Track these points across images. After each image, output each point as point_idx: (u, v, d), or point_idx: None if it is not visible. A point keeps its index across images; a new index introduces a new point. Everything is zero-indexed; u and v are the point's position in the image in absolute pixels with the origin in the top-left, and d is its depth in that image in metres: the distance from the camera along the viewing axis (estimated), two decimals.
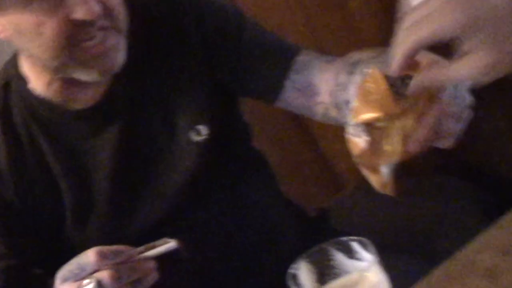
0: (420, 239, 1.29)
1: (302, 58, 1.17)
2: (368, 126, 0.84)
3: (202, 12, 1.18)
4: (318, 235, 1.11)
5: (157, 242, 0.99)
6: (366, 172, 0.88)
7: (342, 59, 1.09)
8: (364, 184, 0.91)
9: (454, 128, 0.85)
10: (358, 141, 0.85)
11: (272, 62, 1.17)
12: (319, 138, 1.79)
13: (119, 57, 1.07)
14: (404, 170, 1.12)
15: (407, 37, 0.78)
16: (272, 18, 1.82)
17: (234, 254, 1.21)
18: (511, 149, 1.64)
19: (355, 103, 0.85)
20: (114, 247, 0.97)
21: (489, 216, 1.08)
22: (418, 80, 0.79)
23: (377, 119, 0.83)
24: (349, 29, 1.69)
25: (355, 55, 1.04)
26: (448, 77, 0.78)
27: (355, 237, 0.82)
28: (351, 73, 1.01)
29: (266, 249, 1.23)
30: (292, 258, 0.83)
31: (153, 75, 1.16)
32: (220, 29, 1.18)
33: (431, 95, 0.83)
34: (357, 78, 0.98)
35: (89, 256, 0.95)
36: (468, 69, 0.75)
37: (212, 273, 1.20)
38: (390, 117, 0.82)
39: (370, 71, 0.85)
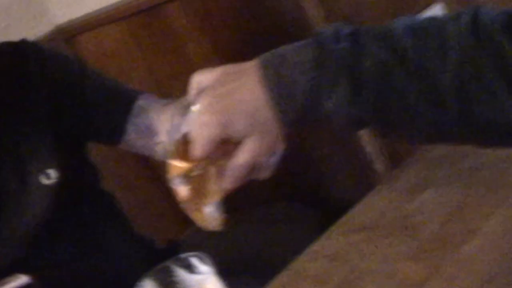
0: (263, 260, 1.41)
1: (142, 102, 1.25)
2: (185, 177, 0.88)
3: (45, 61, 1.24)
4: None
5: (9, 278, 1.03)
6: (192, 215, 0.93)
7: (177, 101, 1.19)
8: None
9: (268, 161, 0.91)
10: (181, 190, 0.90)
11: (114, 107, 1.25)
12: (164, 176, 1.87)
13: None
14: (240, 202, 1.21)
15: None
16: (113, 64, 1.90)
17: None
18: (338, 172, 1.80)
19: (170, 159, 0.90)
20: None
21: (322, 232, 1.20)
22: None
23: (190, 170, 0.88)
24: (187, 72, 1.79)
25: (189, 98, 1.15)
26: (235, 166, 0.86)
27: (193, 253, 0.89)
28: (183, 115, 1.11)
29: (118, 283, 1.29)
30: None
31: (1, 121, 1.21)
32: (63, 78, 1.24)
33: None
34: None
35: None
36: (244, 157, 0.85)
37: None
38: (203, 165, 0.88)
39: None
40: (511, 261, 0.93)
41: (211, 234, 1.58)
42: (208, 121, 0.85)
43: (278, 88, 0.82)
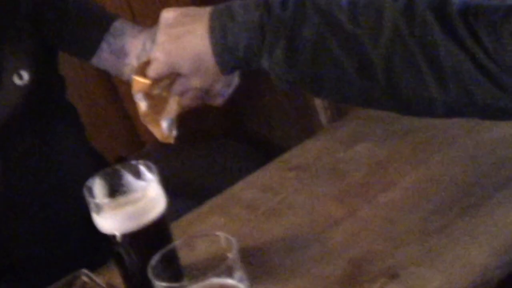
0: (203, 186, 1.53)
1: (118, 24, 1.33)
2: (146, 93, 1.02)
3: None
4: None
5: None
6: (151, 127, 1.06)
7: (150, 29, 1.29)
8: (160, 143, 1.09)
9: (223, 90, 1.05)
10: (141, 105, 1.03)
11: (92, 24, 1.33)
12: (125, 98, 1.97)
13: None
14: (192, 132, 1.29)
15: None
16: None
17: (41, 190, 1.35)
18: (284, 119, 1.91)
19: (133, 76, 1.03)
20: None
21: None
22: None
23: (151, 88, 1.01)
24: (163, 4, 1.87)
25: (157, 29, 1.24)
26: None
27: (141, 161, 0.99)
28: (152, 42, 1.21)
29: (69, 187, 1.36)
30: None
31: None
32: None
33: None
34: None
35: None
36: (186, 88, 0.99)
37: (22, 203, 1.33)
38: (162, 84, 1.01)
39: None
40: (418, 211, 1.06)
41: (157, 158, 1.70)
42: (159, 58, 0.98)
43: (222, 40, 0.92)
